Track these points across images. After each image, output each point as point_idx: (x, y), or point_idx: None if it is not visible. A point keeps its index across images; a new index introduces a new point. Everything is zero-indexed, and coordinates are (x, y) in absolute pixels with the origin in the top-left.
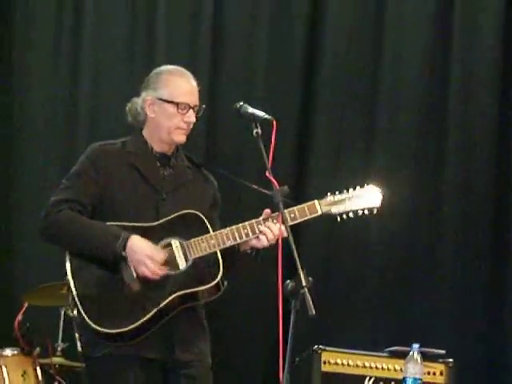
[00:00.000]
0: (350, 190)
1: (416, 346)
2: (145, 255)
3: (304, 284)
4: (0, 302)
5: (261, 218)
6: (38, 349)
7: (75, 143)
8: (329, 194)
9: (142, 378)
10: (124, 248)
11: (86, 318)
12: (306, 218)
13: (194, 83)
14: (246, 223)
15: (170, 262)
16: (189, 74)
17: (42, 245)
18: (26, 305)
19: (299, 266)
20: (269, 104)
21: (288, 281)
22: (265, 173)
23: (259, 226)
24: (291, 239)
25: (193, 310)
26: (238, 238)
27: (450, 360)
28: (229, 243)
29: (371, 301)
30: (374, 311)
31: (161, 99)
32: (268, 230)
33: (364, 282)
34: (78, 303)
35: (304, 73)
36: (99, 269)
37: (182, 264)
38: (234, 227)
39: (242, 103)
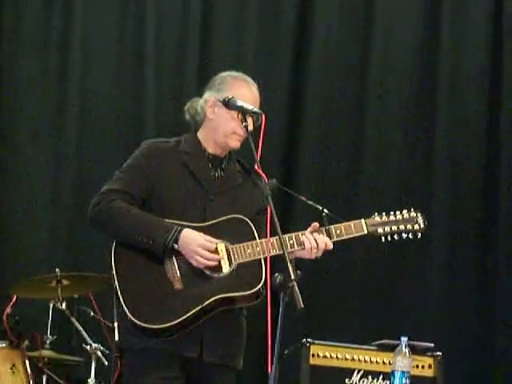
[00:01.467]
0: (397, 212)
1: (404, 339)
2: (198, 245)
3: (292, 277)
4: None
5: (307, 230)
6: (26, 342)
7: (64, 133)
8: (376, 213)
9: (172, 375)
10: (176, 241)
11: (126, 310)
12: (351, 236)
13: (256, 93)
14: (293, 234)
15: (215, 265)
16: (252, 82)
17: (30, 237)
18: (14, 298)
19: (288, 260)
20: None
21: (276, 274)
22: (254, 166)
23: (303, 237)
24: (279, 232)
25: (230, 312)
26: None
27: (439, 353)
28: (274, 252)
29: (360, 294)
30: (363, 304)
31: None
32: (311, 240)
33: (353, 276)
34: (120, 294)
35: (293, 64)
36: (144, 262)
37: (226, 267)
38: (280, 236)
39: (230, 96)
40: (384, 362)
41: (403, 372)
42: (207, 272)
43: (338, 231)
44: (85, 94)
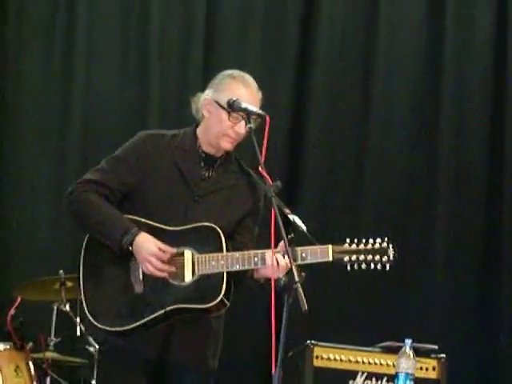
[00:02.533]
0: (370, 241)
1: (408, 341)
2: (150, 253)
3: (297, 279)
4: None
5: (275, 249)
6: (30, 343)
7: (68, 132)
8: (347, 240)
9: (136, 376)
10: (131, 244)
11: (86, 310)
12: (315, 261)
13: (256, 94)
14: (259, 251)
15: (178, 271)
16: (252, 83)
17: (34, 239)
18: (18, 299)
19: (292, 262)
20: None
21: (281, 276)
22: (258, 168)
23: (266, 256)
24: (284, 234)
25: (201, 316)
26: (246, 265)
27: (443, 355)
28: (237, 267)
29: (364, 296)
30: (367, 306)
31: (217, 103)
32: (273, 258)
33: (357, 278)
34: (82, 291)
35: (298, 65)
36: (111, 260)
37: (188, 277)
38: (246, 252)
39: (235, 98)
40: (388, 364)
41: (407, 374)
42: (169, 279)
43: (304, 254)
44: (89, 91)
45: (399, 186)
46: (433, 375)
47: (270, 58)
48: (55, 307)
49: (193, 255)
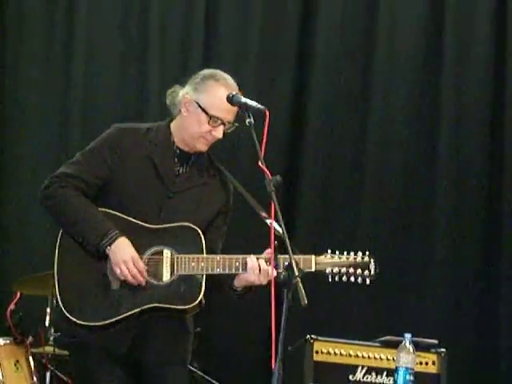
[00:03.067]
0: (351, 254)
1: (408, 335)
2: (129, 255)
3: (296, 274)
4: None
5: (259, 256)
6: (30, 338)
7: (68, 126)
8: (329, 252)
9: (110, 372)
10: (110, 245)
11: (60, 302)
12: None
13: None
14: (240, 256)
15: (156, 270)
16: (234, 87)
17: (33, 234)
18: (18, 294)
19: (292, 256)
20: (261, 94)
21: (280, 270)
22: (257, 162)
23: (248, 261)
24: (284, 229)
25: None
26: (227, 269)
27: (443, 350)
28: (217, 271)
29: (363, 290)
30: (367, 301)
31: (197, 103)
32: (255, 262)
33: None
34: (57, 284)
35: (297, 61)
36: (87, 255)
37: (167, 276)
38: (227, 256)
39: (234, 93)
40: (388, 359)
41: (407, 368)
42: (147, 277)
43: (286, 263)
44: (88, 86)
45: (399, 180)
46: (432, 369)
47: (270, 53)
48: (55, 302)
49: (172, 254)
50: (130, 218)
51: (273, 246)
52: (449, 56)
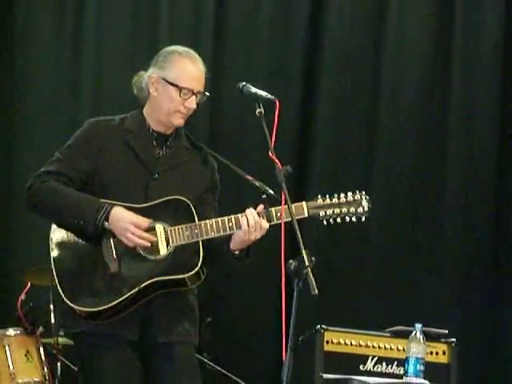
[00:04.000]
0: (342, 195)
1: (419, 325)
2: (129, 222)
3: (307, 264)
4: (2, 281)
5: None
6: (40, 328)
7: (77, 116)
8: (319, 196)
9: (119, 358)
10: (106, 219)
11: (61, 293)
12: (291, 219)
13: (202, 69)
14: (232, 216)
15: (152, 246)
16: (198, 59)
17: (44, 224)
18: (28, 285)
19: (302, 246)
20: (271, 84)
21: (291, 260)
22: (268, 152)
23: (240, 218)
24: (294, 219)
25: (177, 291)
26: (221, 231)
27: (453, 339)
28: (212, 235)
29: (374, 280)
30: (377, 291)
31: (165, 80)
32: (250, 217)
33: (366, 262)
34: (56, 277)
35: (307, 53)
36: (81, 244)
37: (163, 250)
38: (219, 219)
39: (244, 83)
40: (398, 349)
41: (417, 358)
42: (144, 254)
43: (279, 214)
44: (98, 82)
45: (409, 164)
46: (443, 359)
47: (279, 44)
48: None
49: (165, 228)
50: (119, 203)
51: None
52: (458, 53)
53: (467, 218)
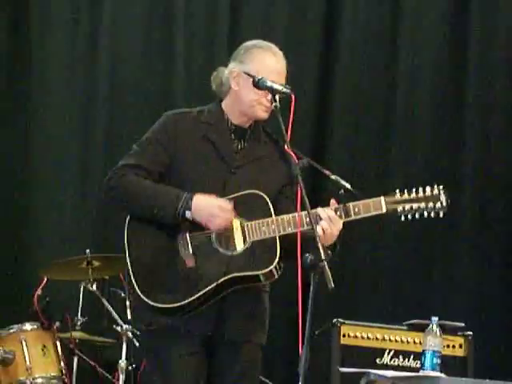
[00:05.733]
0: (419, 189)
1: (435, 318)
2: (214, 206)
3: (323, 257)
4: (19, 276)
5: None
6: (57, 323)
7: (93, 111)
8: (397, 190)
9: (189, 352)
10: (187, 208)
11: (137, 289)
12: (369, 214)
13: (283, 62)
14: (310, 211)
15: (228, 241)
16: (280, 53)
17: (60, 219)
18: (45, 279)
19: (319, 240)
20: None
21: (307, 254)
22: (284, 146)
23: (319, 212)
24: (310, 212)
25: (250, 288)
26: (298, 226)
27: (470, 333)
28: (289, 230)
29: (390, 274)
30: (394, 284)
31: (247, 73)
32: (326, 218)
33: (383, 256)
34: (131, 272)
35: (323, 47)
36: (157, 240)
37: (240, 245)
38: (296, 214)
39: (260, 77)
40: (415, 342)
41: (434, 352)
42: (220, 249)
43: (356, 209)
44: (114, 71)
45: (426, 157)
46: (460, 353)
47: (296, 31)
48: (82, 287)
49: (241, 223)
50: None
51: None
52: (474, 42)
53: (484, 209)
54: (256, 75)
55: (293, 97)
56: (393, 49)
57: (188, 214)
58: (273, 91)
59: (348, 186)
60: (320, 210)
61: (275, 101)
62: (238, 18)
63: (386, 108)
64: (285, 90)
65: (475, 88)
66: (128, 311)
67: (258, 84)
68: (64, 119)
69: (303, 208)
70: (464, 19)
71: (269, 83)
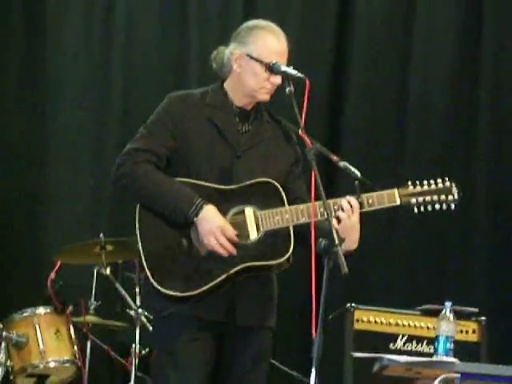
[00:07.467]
0: (431, 181)
1: (449, 304)
2: (217, 225)
3: (337, 242)
4: (32, 260)
5: (339, 198)
6: (70, 307)
7: (108, 97)
8: (410, 182)
9: (200, 340)
10: (197, 215)
11: (149, 276)
12: (383, 206)
13: (285, 42)
14: (326, 200)
15: (241, 230)
16: (281, 33)
17: (74, 203)
18: (58, 263)
19: (333, 224)
20: (301, 63)
21: (321, 239)
22: (298, 131)
23: (336, 205)
24: (324, 197)
25: (263, 275)
26: (312, 216)
27: (483, 318)
28: (303, 220)
29: (404, 259)
30: (407, 269)
31: (249, 56)
32: (345, 203)
33: (397, 241)
34: (144, 259)
35: (337, 34)
36: (169, 227)
37: (253, 234)
38: (310, 204)
39: (274, 61)
40: (428, 327)
41: (447, 337)
42: (238, 241)
43: (370, 201)
44: (129, 52)
45: (440, 147)
46: (473, 338)
47: (310, 17)
48: (95, 271)
49: (254, 212)
50: (205, 183)
51: (313, 223)
52: (488, 33)
53: (498, 197)
54: (258, 57)
55: (307, 81)
56: (408, 35)
57: (195, 220)
58: (287, 76)
59: (357, 172)
60: (342, 200)
61: (289, 85)
62: (252, 6)
63: (400, 96)
64: (299, 75)
65: (489, 75)
66: (137, 297)
67: (272, 69)
68: (80, 101)
69: (317, 194)
70: (479, 8)
71: (282, 68)
